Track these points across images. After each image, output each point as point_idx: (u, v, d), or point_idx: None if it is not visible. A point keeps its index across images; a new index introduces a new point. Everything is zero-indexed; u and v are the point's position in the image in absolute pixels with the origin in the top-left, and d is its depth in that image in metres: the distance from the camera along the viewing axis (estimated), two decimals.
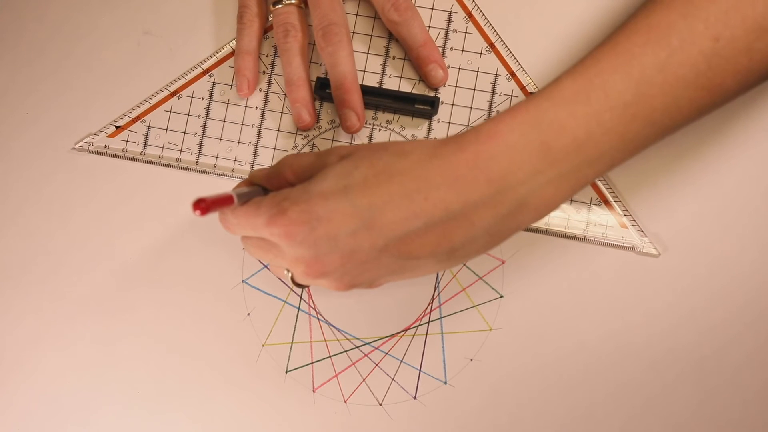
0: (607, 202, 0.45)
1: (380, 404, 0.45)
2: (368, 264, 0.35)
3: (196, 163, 0.47)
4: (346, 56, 0.45)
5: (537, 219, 0.35)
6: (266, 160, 0.47)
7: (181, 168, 0.47)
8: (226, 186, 0.47)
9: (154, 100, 0.48)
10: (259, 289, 0.46)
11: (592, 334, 0.44)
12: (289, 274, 0.38)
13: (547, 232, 0.45)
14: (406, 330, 0.45)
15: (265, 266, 0.46)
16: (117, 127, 0.48)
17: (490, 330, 0.45)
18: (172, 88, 0.48)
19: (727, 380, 0.43)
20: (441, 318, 0.45)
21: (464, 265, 0.45)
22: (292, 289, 0.45)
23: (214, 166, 0.47)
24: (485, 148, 0.33)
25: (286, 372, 0.45)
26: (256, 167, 0.47)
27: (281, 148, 0.47)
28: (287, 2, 0.46)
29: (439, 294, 0.45)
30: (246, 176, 0.47)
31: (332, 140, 0.47)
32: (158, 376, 0.46)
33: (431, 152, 0.34)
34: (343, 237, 0.34)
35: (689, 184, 0.45)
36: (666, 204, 0.44)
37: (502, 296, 0.45)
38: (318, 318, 0.46)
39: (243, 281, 0.46)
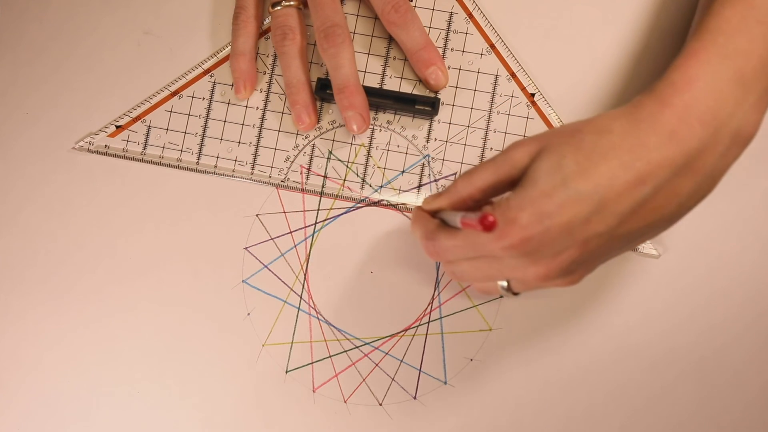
0: None
1: (380, 404, 0.45)
2: (602, 248, 0.35)
3: (197, 163, 0.47)
4: (349, 58, 0.45)
5: (745, 148, 0.35)
6: (267, 160, 0.47)
7: (182, 168, 0.47)
8: (226, 186, 0.47)
9: (154, 100, 0.48)
10: (259, 289, 0.46)
11: (592, 334, 0.44)
12: (505, 283, 0.38)
13: None
14: (406, 330, 0.45)
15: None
16: (117, 127, 0.48)
17: (490, 330, 0.45)
18: (173, 88, 0.48)
19: (727, 380, 0.43)
20: (441, 318, 0.45)
21: None
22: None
23: (215, 167, 0.47)
24: (688, 95, 0.34)
25: (286, 372, 0.45)
26: (258, 168, 0.47)
27: (282, 149, 0.47)
28: (286, 4, 0.46)
29: (439, 294, 0.45)
30: (254, 177, 0.47)
31: (333, 140, 0.47)
32: (158, 376, 0.46)
33: (633, 119, 0.34)
34: (578, 227, 0.33)
35: None
36: None
37: (502, 296, 0.45)
38: (318, 318, 0.46)
39: (243, 281, 0.46)
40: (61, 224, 0.48)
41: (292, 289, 0.46)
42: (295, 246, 0.46)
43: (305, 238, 0.46)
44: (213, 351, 0.46)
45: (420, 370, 0.45)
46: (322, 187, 0.46)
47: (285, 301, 0.46)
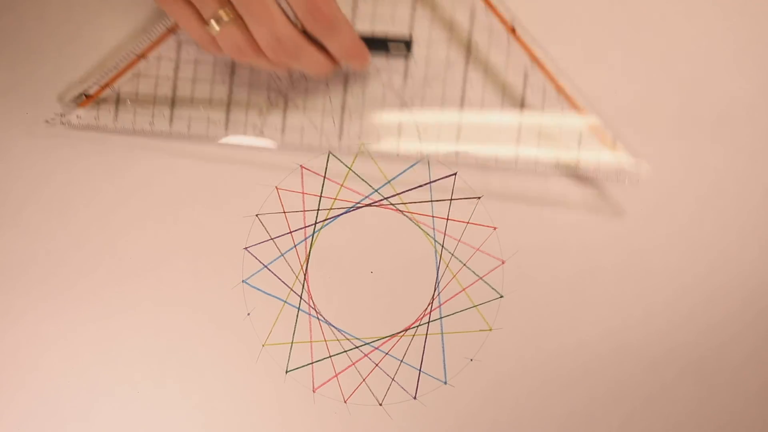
0: (595, 130, 0.44)
1: (380, 404, 0.45)
2: None
3: (170, 124, 0.47)
4: (311, 58, 0.40)
5: None
6: (240, 116, 0.46)
7: (155, 134, 0.47)
8: (226, 185, 0.47)
9: (121, 65, 0.47)
10: (259, 289, 0.46)
11: (592, 334, 0.44)
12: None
13: (536, 165, 0.44)
14: (406, 330, 0.45)
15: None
16: (87, 96, 0.47)
17: (490, 330, 0.45)
18: (138, 51, 0.47)
19: (727, 379, 0.43)
20: (441, 318, 0.45)
21: (464, 265, 0.45)
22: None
23: (188, 127, 0.47)
24: None
25: (286, 372, 0.45)
26: (232, 125, 0.46)
27: (255, 103, 0.46)
28: (218, 24, 0.40)
29: (439, 294, 0.45)
30: (229, 133, 0.46)
31: (305, 90, 0.46)
32: (158, 376, 0.46)
33: None
34: None
35: (689, 183, 0.45)
36: (665, 203, 0.45)
37: (502, 296, 0.45)
38: (318, 318, 0.46)
39: (243, 281, 0.46)
40: (61, 224, 0.48)
41: (292, 289, 0.46)
42: (295, 246, 0.46)
43: (305, 238, 0.46)
44: (213, 351, 0.46)
45: (420, 370, 0.45)
46: (322, 187, 0.46)
47: (285, 301, 0.46)
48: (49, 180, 0.48)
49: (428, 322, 0.45)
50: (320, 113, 0.46)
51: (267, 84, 0.46)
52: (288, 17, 0.39)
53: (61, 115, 0.47)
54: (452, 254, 0.45)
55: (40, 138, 0.48)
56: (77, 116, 0.47)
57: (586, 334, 0.44)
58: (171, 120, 0.47)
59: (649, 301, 0.44)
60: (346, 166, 0.46)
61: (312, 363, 0.45)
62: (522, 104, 0.45)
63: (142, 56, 0.47)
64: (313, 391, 0.45)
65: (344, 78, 0.46)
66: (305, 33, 0.40)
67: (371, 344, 0.45)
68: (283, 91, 0.46)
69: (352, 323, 0.45)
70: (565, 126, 0.44)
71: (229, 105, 0.47)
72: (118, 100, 0.47)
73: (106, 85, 0.47)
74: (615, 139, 0.44)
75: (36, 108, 0.48)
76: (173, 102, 0.47)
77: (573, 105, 0.44)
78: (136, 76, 0.47)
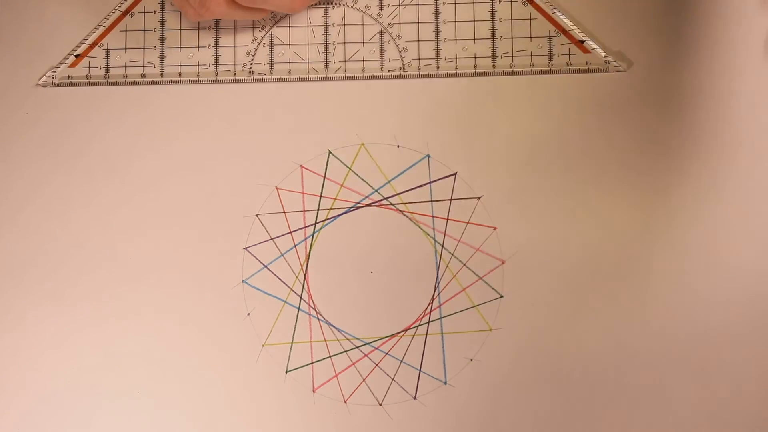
0: (565, 32, 0.46)
1: (380, 404, 0.45)
2: None
3: (161, 75, 0.48)
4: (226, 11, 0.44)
5: None
6: (229, 58, 0.48)
7: (147, 83, 0.48)
8: (226, 186, 0.47)
9: (107, 23, 0.48)
10: (259, 289, 0.46)
11: (592, 334, 0.44)
12: None
13: (513, 73, 0.46)
14: (406, 330, 0.45)
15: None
16: (77, 56, 0.48)
17: (490, 330, 0.45)
18: (123, 8, 0.49)
19: (727, 380, 0.43)
20: (441, 318, 0.45)
21: (464, 265, 0.45)
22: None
23: (179, 74, 0.48)
24: None
25: (286, 372, 0.45)
26: (221, 68, 0.48)
27: (241, 44, 0.48)
28: None
29: (439, 294, 0.45)
30: (211, 78, 0.48)
31: (289, 26, 0.48)
32: (158, 376, 0.46)
33: None
34: None
35: (688, 183, 0.45)
36: (665, 202, 0.45)
37: (502, 296, 0.45)
38: (318, 318, 0.46)
39: (243, 281, 0.46)
40: (61, 224, 0.48)
41: (292, 289, 0.46)
42: (295, 246, 0.46)
43: (305, 238, 0.46)
44: (213, 351, 0.46)
45: (420, 370, 0.45)
46: (322, 186, 0.46)
47: (285, 301, 0.46)
48: (50, 179, 0.48)
49: (428, 322, 0.45)
50: (305, 46, 0.48)
51: (252, 24, 0.48)
52: None
53: (53, 77, 0.48)
54: (452, 254, 0.45)
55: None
56: (69, 76, 0.48)
57: (586, 334, 0.44)
58: (162, 69, 0.48)
59: (649, 302, 0.44)
60: (346, 166, 0.47)
61: (312, 363, 0.45)
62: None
63: (127, 12, 0.48)
64: (313, 391, 0.45)
65: (323, 11, 0.47)
66: None
67: (371, 344, 0.45)
68: (267, 29, 0.48)
69: (352, 323, 0.45)
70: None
71: (217, 49, 0.48)
72: (107, 57, 0.48)
73: (95, 44, 0.48)
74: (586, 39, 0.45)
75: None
76: (162, 52, 0.48)
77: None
78: (123, 32, 0.48)
